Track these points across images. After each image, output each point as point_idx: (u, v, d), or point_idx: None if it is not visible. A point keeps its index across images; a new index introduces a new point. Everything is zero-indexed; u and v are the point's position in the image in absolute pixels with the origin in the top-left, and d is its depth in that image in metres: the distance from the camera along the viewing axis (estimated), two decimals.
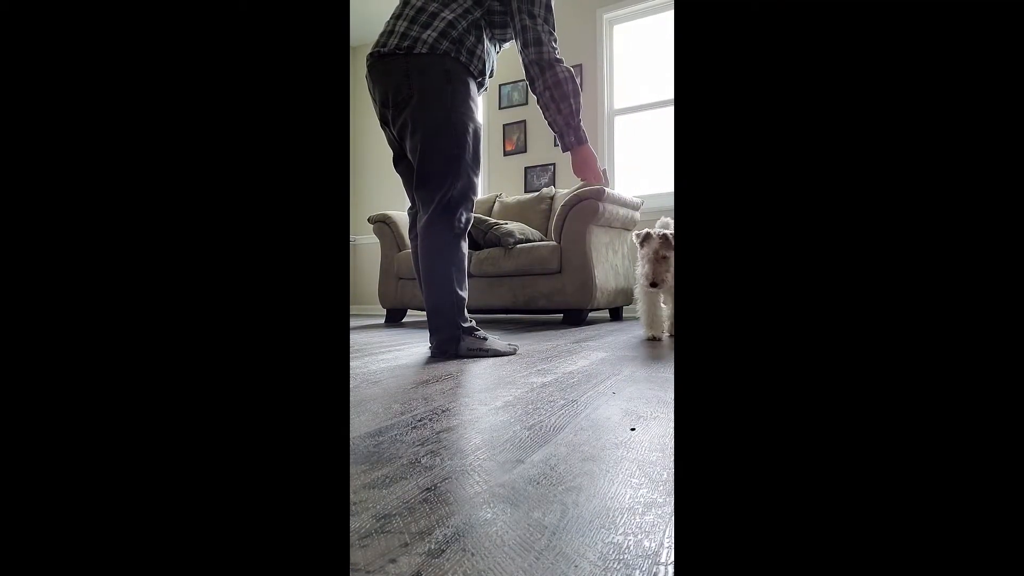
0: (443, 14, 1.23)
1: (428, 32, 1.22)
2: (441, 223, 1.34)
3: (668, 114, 3.48)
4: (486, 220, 2.88)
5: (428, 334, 1.56)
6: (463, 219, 1.38)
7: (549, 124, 1.31)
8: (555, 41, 1.28)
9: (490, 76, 1.43)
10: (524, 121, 3.92)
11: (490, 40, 1.35)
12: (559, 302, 2.61)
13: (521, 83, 3.96)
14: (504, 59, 3.89)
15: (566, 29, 3.72)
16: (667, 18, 3.50)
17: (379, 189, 4.67)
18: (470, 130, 1.32)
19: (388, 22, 1.32)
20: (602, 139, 3.63)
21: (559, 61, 1.26)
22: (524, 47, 1.26)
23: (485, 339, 1.43)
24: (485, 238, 2.83)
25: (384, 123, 1.41)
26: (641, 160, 3.61)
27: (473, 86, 1.34)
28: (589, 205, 2.53)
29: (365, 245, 4.67)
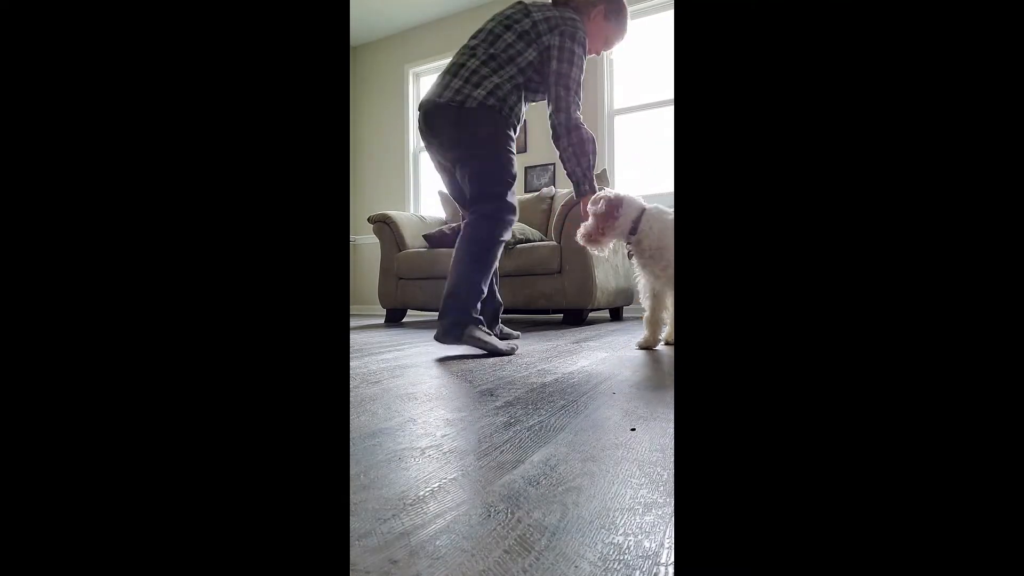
0: (492, 78, 1.62)
1: (479, 91, 1.60)
2: (490, 223, 1.58)
3: (668, 114, 3.48)
4: None
5: (428, 334, 1.58)
6: (506, 231, 1.63)
7: (568, 174, 1.69)
8: (580, 108, 1.66)
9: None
10: (524, 121, 3.92)
11: (525, 100, 1.74)
12: (559, 302, 2.61)
13: None
14: None
15: None
16: (667, 18, 3.50)
17: (379, 189, 4.67)
18: (512, 167, 1.68)
19: (443, 78, 1.65)
20: (602, 139, 3.63)
21: (583, 125, 1.65)
22: (556, 111, 1.63)
23: (489, 335, 1.48)
24: None
25: (437, 159, 1.72)
26: (641, 160, 3.60)
27: (512, 132, 1.72)
28: None
29: (365, 245, 4.66)
